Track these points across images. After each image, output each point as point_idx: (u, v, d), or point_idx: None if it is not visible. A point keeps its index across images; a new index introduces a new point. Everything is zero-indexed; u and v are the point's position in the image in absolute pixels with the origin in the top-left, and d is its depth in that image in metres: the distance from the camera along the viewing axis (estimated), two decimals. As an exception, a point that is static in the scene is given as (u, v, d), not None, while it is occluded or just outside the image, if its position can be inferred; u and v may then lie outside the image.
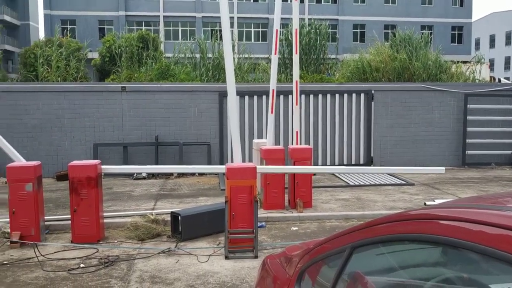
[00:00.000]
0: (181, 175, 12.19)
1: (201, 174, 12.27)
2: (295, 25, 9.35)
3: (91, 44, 23.00)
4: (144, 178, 11.82)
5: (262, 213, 7.94)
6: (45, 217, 7.18)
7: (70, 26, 40.96)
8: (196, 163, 12.51)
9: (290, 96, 12.83)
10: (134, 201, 9.31)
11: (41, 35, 48.03)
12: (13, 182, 6.57)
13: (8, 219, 6.81)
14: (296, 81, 9.13)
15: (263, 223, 7.66)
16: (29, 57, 18.32)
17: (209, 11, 41.20)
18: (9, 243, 6.54)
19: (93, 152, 12.17)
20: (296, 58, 9.24)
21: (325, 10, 40.33)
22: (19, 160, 7.03)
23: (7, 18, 49.82)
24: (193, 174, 12.28)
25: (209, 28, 40.57)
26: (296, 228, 7.57)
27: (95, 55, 25.47)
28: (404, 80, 15.58)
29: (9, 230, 6.72)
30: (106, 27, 41.28)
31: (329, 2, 42.29)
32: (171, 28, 41.67)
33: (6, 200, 8.54)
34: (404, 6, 41.80)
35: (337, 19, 40.94)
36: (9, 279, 5.41)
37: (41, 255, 6.08)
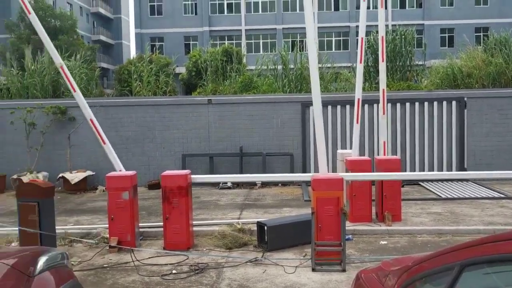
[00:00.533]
0: (264, 185, 12.30)
1: (284, 185, 12.30)
2: (381, 32, 9.09)
3: (177, 59, 24.16)
4: (229, 187, 12.10)
5: (348, 225, 7.73)
6: (140, 224, 7.59)
7: (158, 43, 43.36)
8: (279, 173, 12.55)
9: (375, 105, 12.50)
10: (220, 210, 9.55)
11: (132, 52, 51.37)
12: (112, 190, 7.03)
13: (107, 225, 7.30)
14: (383, 90, 8.84)
15: (350, 236, 7.47)
16: (123, 74, 19.67)
17: (290, 22, 41.51)
18: (108, 248, 6.99)
19: (181, 162, 12.70)
20: (382, 66, 8.97)
21: (410, 15, 38.86)
22: (120, 169, 7.49)
23: (103, 38, 54.06)
24: (276, 185, 12.34)
25: (290, 39, 40.85)
26: (385, 242, 7.28)
27: (181, 70, 26.70)
28: (500, 86, 14.50)
29: (108, 235, 7.19)
30: (191, 42, 43.19)
31: (414, 7, 40.74)
32: (253, 41, 42.56)
33: (104, 207, 9.17)
34: (497, 7, 39.02)
35: (423, 24, 39.24)
36: (109, 281, 5.77)
37: (137, 260, 6.41)
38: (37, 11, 31.32)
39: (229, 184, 12.12)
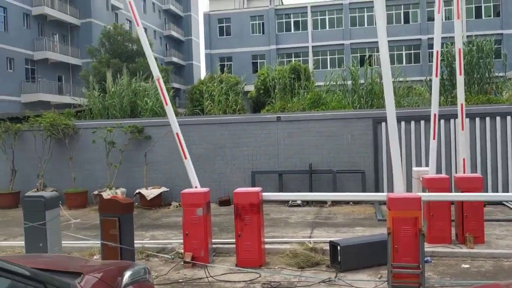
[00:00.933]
0: (335, 203, 12.07)
1: (355, 203, 11.99)
2: (458, 44, 8.69)
3: (246, 78, 24.67)
4: (299, 205, 12.01)
5: (426, 247, 7.33)
6: (212, 240, 7.72)
7: (227, 63, 44.51)
8: (350, 191, 12.29)
9: (451, 120, 11.93)
10: (291, 228, 9.48)
11: (202, 72, 53.11)
12: (187, 206, 7.23)
13: (181, 240, 7.49)
14: (462, 104, 8.42)
15: (428, 258, 7.09)
16: (195, 93, 20.39)
17: (358, 37, 41.01)
18: (182, 263, 7.16)
19: (251, 179, 12.83)
20: (460, 79, 8.55)
21: (487, 25, 36.91)
22: (196, 186, 7.68)
23: (175, 59, 56.54)
24: (347, 203, 12.06)
25: (358, 54, 40.32)
26: (467, 266, 6.83)
27: (249, 88, 27.19)
28: None
29: (182, 251, 7.38)
30: (258, 61, 43.93)
31: (491, 16, 38.73)
32: (320, 57, 42.46)
33: (178, 223, 9.44)
34: None
35: (502, 34, 37.11)
36: (184, 296, 5.89)
37: (211, 276, 6.51)
38: (116, 37, 33.49)
39: (298, 202, 12.03)
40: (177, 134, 7.76)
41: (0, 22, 34.30)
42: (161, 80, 7.70)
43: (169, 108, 7.75)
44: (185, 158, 7.75)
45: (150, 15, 54.84)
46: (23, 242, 7.11)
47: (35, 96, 35.22)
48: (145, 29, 50.90)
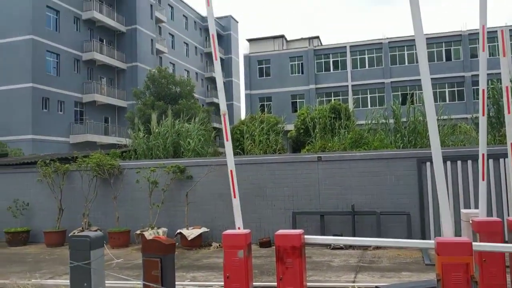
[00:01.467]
0: (379, 246, 11.67)
1: (401, 246, 11.53)
2: (505, 81, 8.44)
3: (285, 118, 24.84)
4: (341, 248, 11.68)
5: (479, 295, 6.94)
6: (253, 284, 7.58)
7: (267, 103, 45.10)
8: (394, 233, 11.89)
9: (501, 160, 11.47)
10: (333, 272, 9.20)
11: (242, 112, 54.00)
12: (228, 248, 7.16)
13: (222, 283, 7.40)
14: (511, 143, 8.08)
15: (483, 307, 6.66)
16: (236, 133, 20.67)
17: (398, 75, 40.79)
18: (223, 306, 7.03)
19: (291, 220, 12.66)
20: (509, 118, 8.24)
21: (533, 61, 35.85)
22: (239, 227, 7.59)
23: (215, 100, 57.88)
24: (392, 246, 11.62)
25: (399, 92, 39.93)
26: (526, 317, 6.35)
27: (289, 127, 27.31)
28: None
29: (223, 294, 7.26)
30: (298, 100, 44.29)
31: (537, 52, 37.63)
32: (360, 96, 42.36)
33: (218, 264, 9.36)
34: None
35: (550, 69, 35.88)
36: None
37: (252, 321, 6.34)
38: (161, 80, 34.78)
39: (341, 245, 11.71)
40: (231, 171, 7.75)
41: (53, 68, 36.49)
42: (227, 116, 7.70)
43: (228, 144, 7.75)
44: (234, 197, 7.71)
45: (193, 57, 56.92)
46: (68, 281, 7.22)
47: (83, 137, 36.79)
48: (188, 72, 52.91)
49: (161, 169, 13.57)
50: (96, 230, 13.29)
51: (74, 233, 12.59)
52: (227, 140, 7.68)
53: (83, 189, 14.28)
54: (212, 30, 7.59)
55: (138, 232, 13.01)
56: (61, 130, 35.98)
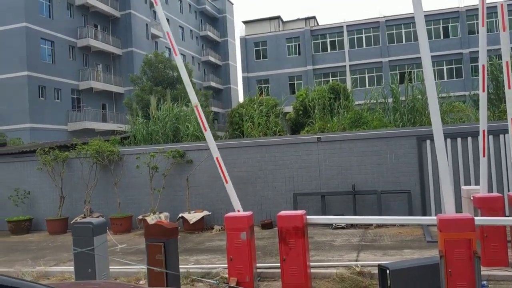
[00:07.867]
0: (381, 225, 11.73)
1: (402, 224, 11.61)
2: (505, 57, 8.37)
3: (285, 99, 24.73)
4: (343, 227, 11.75)
5: (481, 270, 6.97)
6: (256, 264, 7.62)
7: (264, 85, 44.87)
8: (395, 212, 11.94)
9: (501, 136, 11.46)
10: (336, 251, 9.25)
11: (240, 95, 53.81)
12: (231, 230, 7.19)
13: (225, 265, 7.45)
14: (511, 119, 8.05)
15: (484, 282, 6.72)
16: (235, 116, 20.58)
17: (396, 54, 40.53)
18: (227, 288, 7.10)
19: (292, 202, 12.69)
20: (509, 93, 8.20)
21: (531, 35, 35.63)
22: (238, 210, 7.63)
23: (213, 84, 57.66)
24: (393, 224, 11.70)
25: (397, 71, 39.73)
26: (528, 291, 6.42)
27: (287, 109, 27.19)
28: None
29: (227, 276, 7.32)
30: (295, 82, 44.06)
31: (536, 26, 37.36)
32: (358, 75, 42.15)
33: (221, 247, 9.41)
34: None
35: (549, 44, 35.65)
36: (231, 323, 5.81)
37: (256, 302, 6.40)
38: (157, 64, 34.52)
39: (343, 224, 11.77)
40: (217, 158, 7.77)
41: (48, 55, 36.16)
42: (199, 107, 7.74)
43: (208, 134, 7.79)
44: (226, 182, 7.73)
45: (188, 41, 56.38)
46: (72, 268, 7.26)
47: (80, 124, 36.67)
48: (184, 56, 52.25)
49: (161, 154, 13.55)
50: (98, 217, 13.33)
51: (77, 220, 12.64)
52: (205, 130, 7.76)
53: (84, 176, 14.27)
54: (166, 29, 7.76)
55: (140, 217, 13.05)
56: (58, 118, 35.85)
